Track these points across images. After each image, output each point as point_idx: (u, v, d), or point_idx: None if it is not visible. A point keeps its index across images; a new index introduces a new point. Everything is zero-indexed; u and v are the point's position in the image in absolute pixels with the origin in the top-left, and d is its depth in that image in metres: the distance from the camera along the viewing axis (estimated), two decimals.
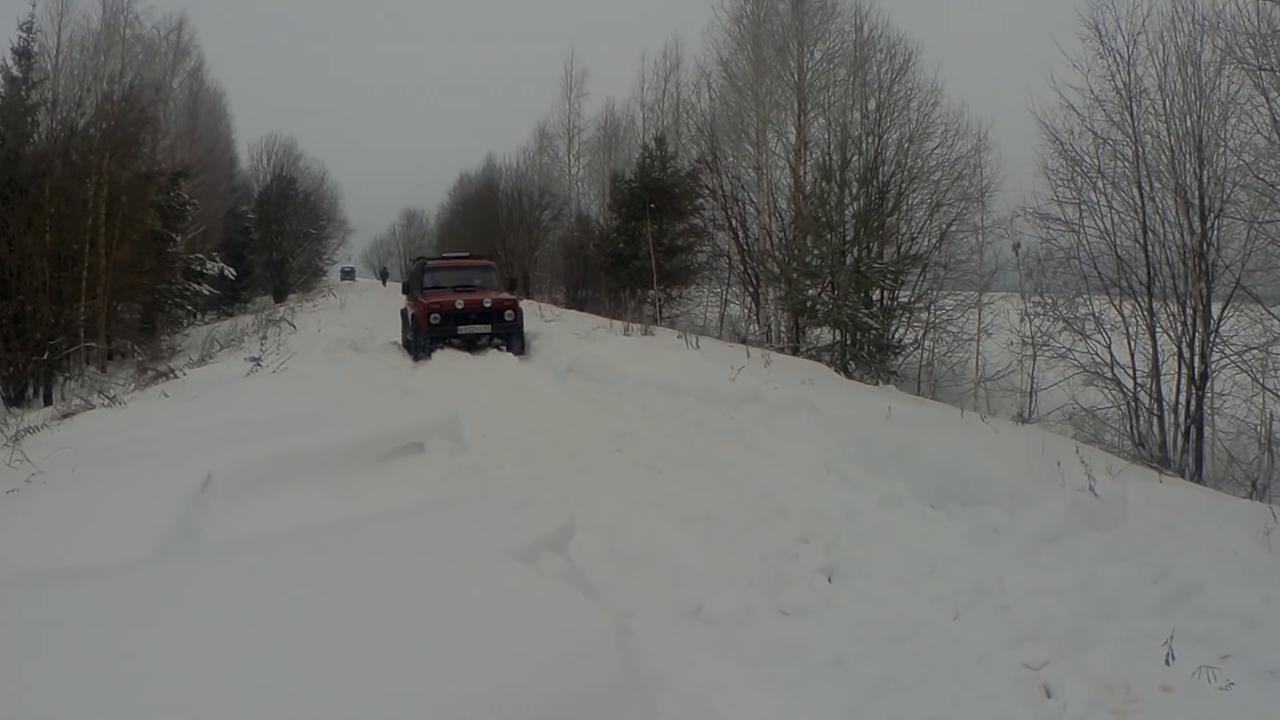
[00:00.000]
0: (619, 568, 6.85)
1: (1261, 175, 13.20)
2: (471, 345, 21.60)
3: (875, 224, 22.66)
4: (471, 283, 23.39)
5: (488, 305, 21.71)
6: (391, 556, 5.27)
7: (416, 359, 21.25)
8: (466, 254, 29.14)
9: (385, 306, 34.28)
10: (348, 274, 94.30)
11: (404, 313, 24.36)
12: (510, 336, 21.89)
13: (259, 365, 15.69)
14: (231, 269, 40.54)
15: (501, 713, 3.68)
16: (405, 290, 24.98)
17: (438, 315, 21.44)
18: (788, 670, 5.33)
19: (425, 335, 21.36)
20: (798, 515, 8.07)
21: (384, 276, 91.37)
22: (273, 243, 59.02)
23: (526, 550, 5.41)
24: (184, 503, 6.85)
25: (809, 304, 22.76)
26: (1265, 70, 12.73)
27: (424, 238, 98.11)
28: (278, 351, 17.19)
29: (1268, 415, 13.03)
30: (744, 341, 23.55)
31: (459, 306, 21.49)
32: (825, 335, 23.68)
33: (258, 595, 4.54)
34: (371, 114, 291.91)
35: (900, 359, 22.39)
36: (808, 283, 23.18)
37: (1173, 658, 5.15)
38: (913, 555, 7.03)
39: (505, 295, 22.48)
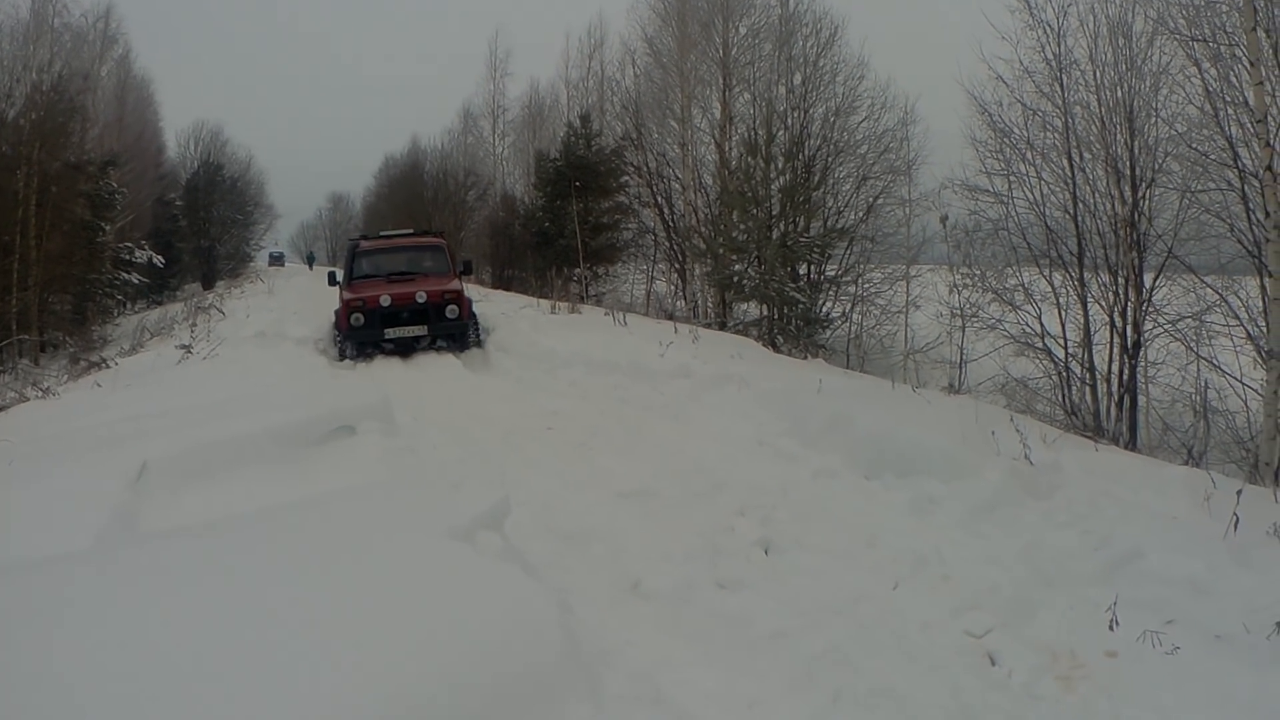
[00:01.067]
0: (556, 546, 6.74)
1: (1194, 145, 13.20)
2: (407, 349, 17.73)
3: (801, 198, 22.57)
4: (417, 269, 19.15)
5: (421, 301, 17.38)
6: (331, 540, 5.21)
7: (341, 358, 17.23)
8: (410, 231, 23.92)
9: (312, 291, 33.51)
10: (276, 259, 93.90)
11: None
12: (454, 337, 17.89)
13: (190, 353, 15.64)
14: (160, 257, 40.08)
15: (453, 693, 3.67)
16: (332, 282, 19.66)
17: (359, 315, 17.30)
18: (730, 644, 5.23)
19: (346, 340, 17.34)
20: (733, 489, 7.96)
21: (310, 261, 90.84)
22: (200, 230, 58.32)
23: (464, 529, 5.38)
24: (121, 492, 6.71)
25: (735, 279, 22.63)
26: (1198, 40, 12.68)
27: (350, 220, 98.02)
28: (208, 339, 17.32)
29: (1202, 383, 13.11)
30: (671, 318, 23.42)
31: (384, 304, 17.30)
32: (752, 310, 23.57)
33: (199, 583, 4.43)
34: (297, 97, 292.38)
35: (828, 332, 22.35)
36: (734, 258, 23.08)
37: (1117, 624, 5.14)
38: (851, 526, 6.96)
39: (447, 286, 18.06)
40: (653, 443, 9.90)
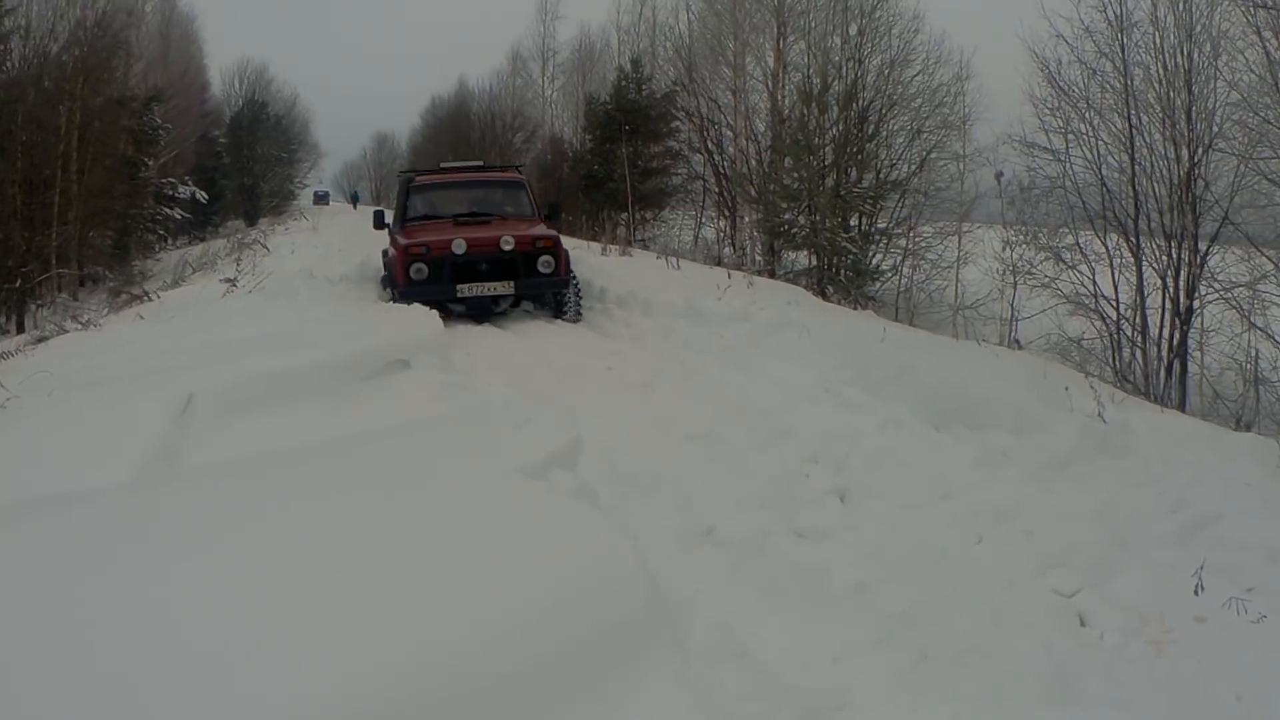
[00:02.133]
0: (624, 488, 6.67)
1: (1256, 111, 13.03)
2: (481, 311, 14.55)
3: (855, 149, 22.49)
4: (490, 210, 15.79)
5: (508, 249, 13.88)
6: (393, 474, 5.12)
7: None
8: (479, 164, 19.38)
9: (357, 229, 33.17)
10: (321, 198, 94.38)
11: (385, 255, 16.49)
12: (546, 299, 14.93)
13: (234, 286, 15.47)
14: (204, 193, 40.30)
15: (539, 644, 3.50)
16: (379, 224, 16.98)
17: (422, 266, 13.80)
18: (809, 596, 5.18)
19: (403, 298, 13.51)
20: (802, 436, 7.89)
21: (355, 200, 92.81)
22: (244, 167, 58.99)
23: (536, 467, 5.27)
24: (165, 425, 6.61)
25: (787, 227, 22.62)
26: (1260, 7, 12.54)
27: (395, 161, 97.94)
28: (253, 273, 17.09)
29: (1254, 352, 12.99)
30: (720, 264, 23.40)
31: (457, 252, 13.74)
32: (801, 260, 23.55)
33: (250, 520, 4.34)
34: (343, 37, 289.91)
35: (878, 284, 22.26)
36: (785, 206, 23.02)
37: (1202, 588, 5.00)
38: (923, 477, 6.87)
39: (539, 230, 14.73)
40: (716, 387, 9.83)
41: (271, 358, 8.56)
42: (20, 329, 20.00)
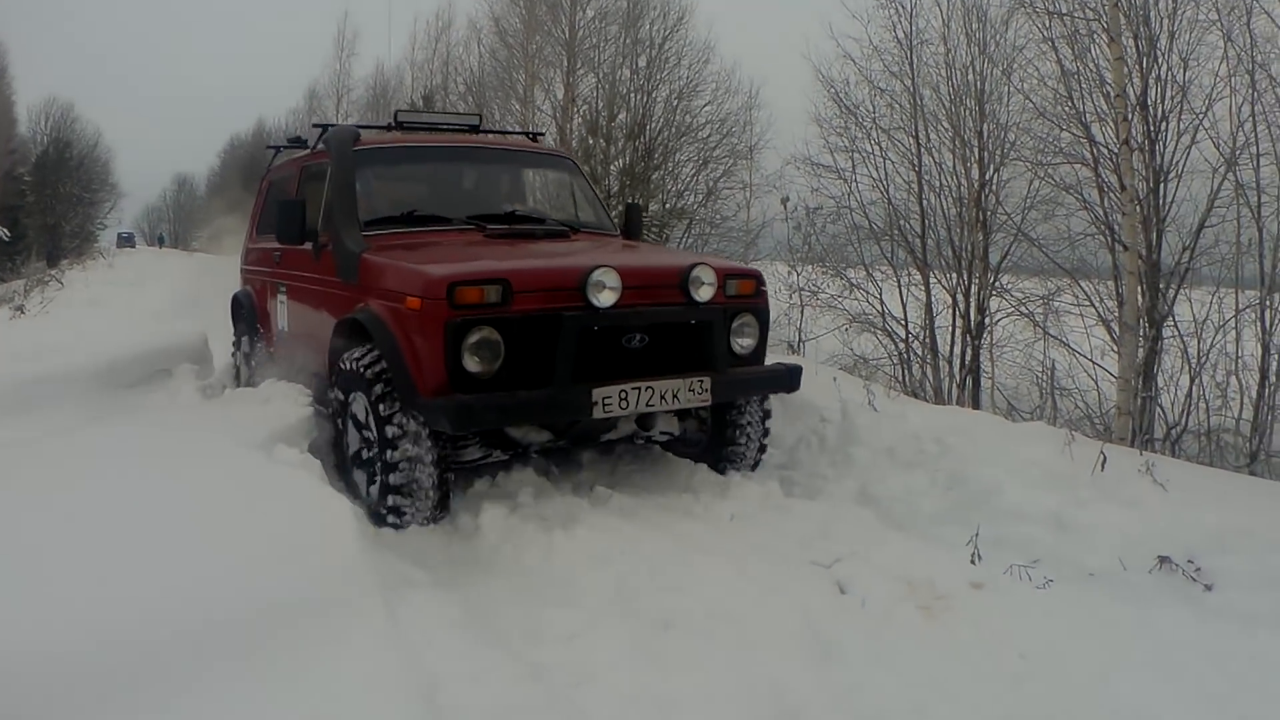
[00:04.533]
0: None
1: (1049, 119, 12.92)
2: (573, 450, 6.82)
3: (641, 178, 21.97)
4: (528, 213, 7.52)
5: (704, 296, 5.81)
6: (131, 455, 5.16)
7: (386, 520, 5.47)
8: (476, 122, 8.43)
9: (149, 268, 34.24)
10: (126, 240, 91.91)
11: (278, 319, 8.28)
12: (733, 430, 6.62)
13: (22, 312, 15.98)
14: (6, 230, 39.20)
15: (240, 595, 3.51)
16: (289, 234, 6.83)
17: (492, 340, 5.32)
18: None
19: (438, 416, 5.17)
20: None
21: (160, 242, 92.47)
22: (48, 206, 59.17)
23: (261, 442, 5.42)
24: None
25: None
26: (1054, 14, 12.47)
27: (194, 203, 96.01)
28: (42, 303, 17.59)
29: (1050, 363, 12.91)
30: None
31: (599, 300, 5.43)
32: None
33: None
34: (146, 76, 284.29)
35: None
36: None
37: (979, 557, 4.82)
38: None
39: (712, 261, 6.22)
40: None
41: (37, 364, 8.27)
42: None
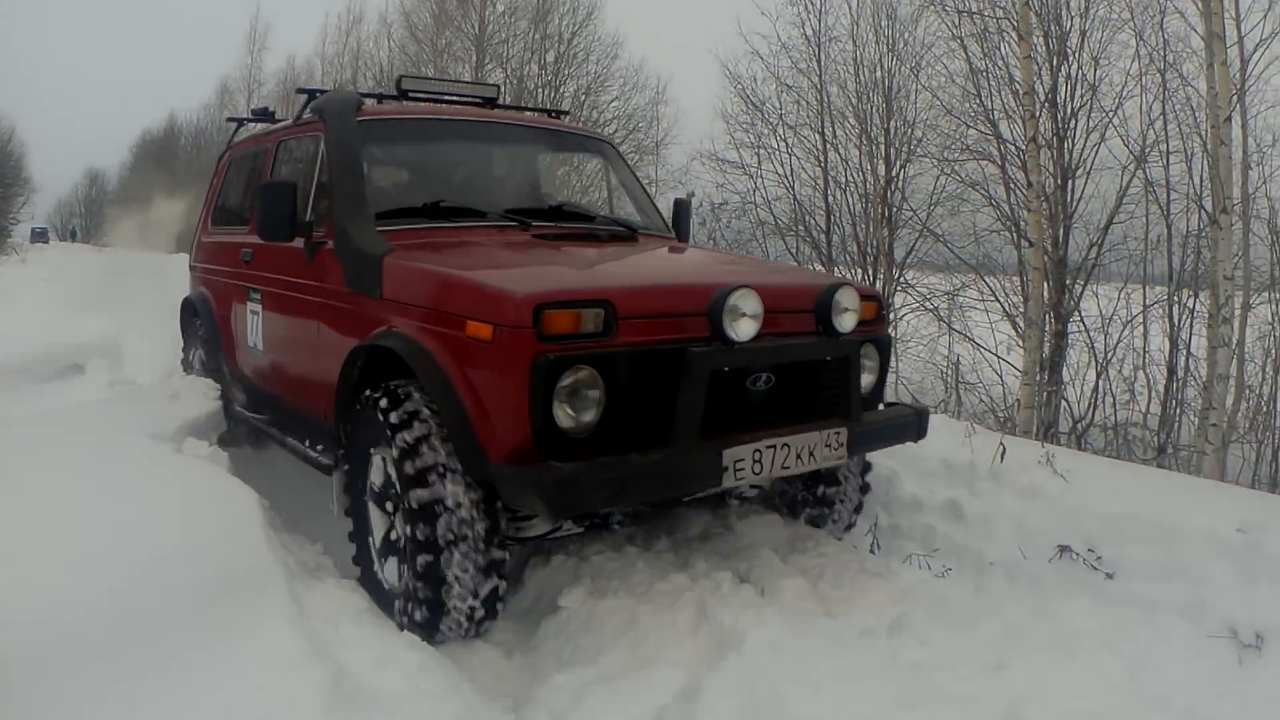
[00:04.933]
0: None
1: (956, 116, 13.05)
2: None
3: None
4: (565, 207, 6.18)
5: (845, 326, 4.50)
6: (37, 450, 5.06)
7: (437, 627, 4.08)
8: (493, 93, 6.42)
9: (63, 264, 33.83)
10: (40, 235, 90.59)
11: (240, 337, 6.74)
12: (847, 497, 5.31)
13: None
14: None
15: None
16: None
17: (591, 380, 3.86)
18: None
19: (524, 490, 3.76)
20: None
21: (74, 236, 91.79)
22: None
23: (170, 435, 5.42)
24: None
25: None
26: (963, 13, 12.57)
27: (106, 197, 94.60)
28: None
29: (955, 358, 12.99)
30: None
31: (737, 332, 4.04)
32: None
33: None
34: (58, 62, 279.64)
35: None
36: None
37: (878, 547, 4.85)
38: None
39: (860, 285, 5.51)
40: None
41: None
42: None
